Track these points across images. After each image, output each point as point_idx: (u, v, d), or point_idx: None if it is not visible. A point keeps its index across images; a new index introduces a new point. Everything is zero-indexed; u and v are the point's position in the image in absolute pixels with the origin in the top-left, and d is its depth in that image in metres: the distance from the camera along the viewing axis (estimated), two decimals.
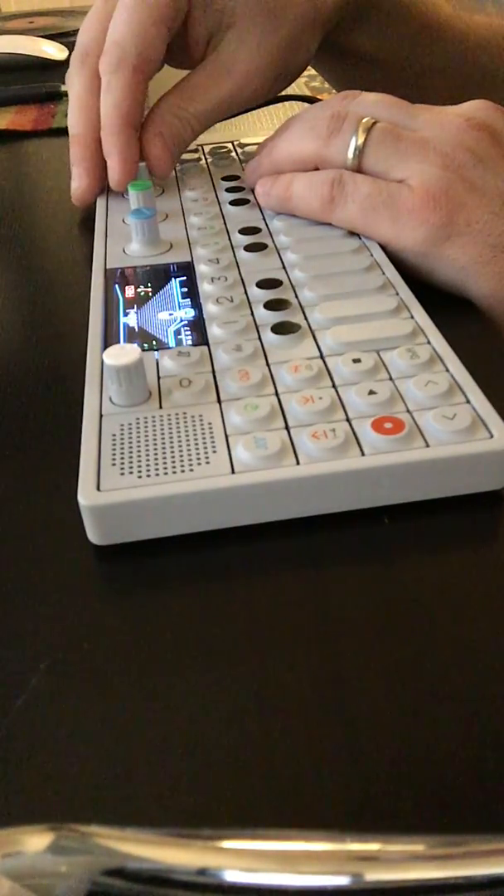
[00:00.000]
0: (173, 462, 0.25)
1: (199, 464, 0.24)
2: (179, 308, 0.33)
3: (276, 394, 0.27)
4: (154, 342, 0.31)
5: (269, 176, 0.40)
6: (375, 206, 0.35)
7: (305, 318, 0.31)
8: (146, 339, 0.31)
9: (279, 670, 0.21)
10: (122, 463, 0.25)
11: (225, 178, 0.45)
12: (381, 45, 0.53)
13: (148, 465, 0.25)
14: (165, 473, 0.24)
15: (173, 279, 0.35)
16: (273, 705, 0.20)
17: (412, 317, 0.31)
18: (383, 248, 0.36)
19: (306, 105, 0.56)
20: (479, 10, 0.58)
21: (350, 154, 0.36)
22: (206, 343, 0.30)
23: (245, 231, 0.38)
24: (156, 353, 0.30)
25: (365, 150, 0.36)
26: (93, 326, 0.32)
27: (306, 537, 0.24)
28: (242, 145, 0.50)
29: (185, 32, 0.43)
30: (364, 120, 0.36)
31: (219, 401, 0.27)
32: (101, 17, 0.42)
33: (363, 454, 0.24)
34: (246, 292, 0.33)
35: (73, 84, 0.44)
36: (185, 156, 0.49)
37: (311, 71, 0.57)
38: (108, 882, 0.15)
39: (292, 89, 0.61)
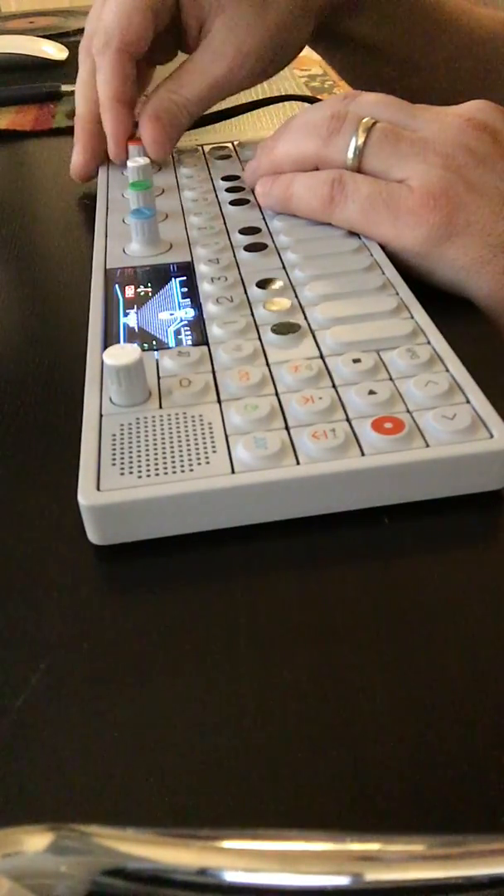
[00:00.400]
0: (173, 462, 0.25)
1: (199, 464, 0.24)
2: (179, 308, 0.33)
3: (276, 394, 0.27)
4: (154, 342, 0.31)
5: (269, 176, 0.40)
6: (376, 206, 0.35)
7: (305, 318, 0.31)
8: (146, 339, 0.31)
9: (279, 670, 0.21)
10: (122, 463, 0.25)
11: (225, 178, 0.45)
12: (384, 36, 0.53)
13: (148, 465, 0.25)
14: (165, 473, 0.24)
15: (173, 279, 0.35)
16: (273, 705, 0.20)
17: (412, 317, 0.31)
18: (383, 248, 0.36)
19: (306, 105, 0.56)
20: (488, 1, 0.58)
21: (350, 154, 0.36)
22: (206, 343, 0.30)
23: (245, 231, 0.38)
24: (156, 353, 0.30)
25: (365, 150, 0.36)
26: (93, 326, 0.32)
27: (306, 537, 0.24)
28: (242, 145, 0.50)
29: (178, 22, 0.45)
30: (364, 120, 0.36)
31: (219, 401, 0.27)
32: (102, 8, 0.45)
33: (363, 454, 0.24)
34: (246, 292, 0.33)
35: (80, 69, 0.47)
36: (185, 156, 0.49)
37: (311, 71, 0.57)
38: (108, 882, 0.15)
39: (292, 89, 0.61)
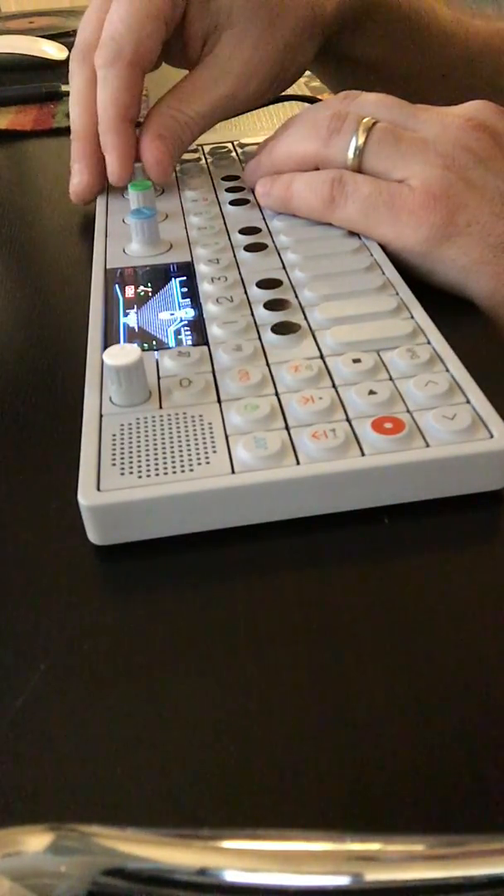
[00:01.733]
0: (173, 462, 0.25)
1: (199, 464, 0.24)
2: (179, 308, 0.33)
3: (276, 394, 0.27)
4: (154, 342, 0.31)
5: (269, 176, 0.40)
6: (376, 206, 0.35)
7: (305, 318, 0.31)
8: (146, 339, 0.31)
9: (279, 670, 0.21)
10: (122, 463, 0.25)
11: (225, 178, 0.45)
12: (381, 53, 0.53)
13: (148, 465, 0.25)
14: (165, 473, 0.24)
15: (173, 279, 0.35)
16: (273, 705, 0.20)
17: (412, 317, 0.31)
18: (383, 248, 0.36)
19: (306, 105, 0.56)
20: (479, 14, 0.58)
21: (350, 154, 0.36)
22: (206, 343, 0.30)
23: (245, 231, 0.38)
24: (156, 353, 0.30)
25: (365, 150, 0.36)
26: (93, 326, 0.32)
27: (306, 537, 0.24)
28: (242, 145, 0.50)
29: (182, 30, 0.43)
30: (364, 120, 0.36)
31: (219, 401, 0.27)
32: (101, 14, 0.42)
33: (363, 454, 0.24)
34: (246, 292, 0.33)
35: (74, 80, 0.44)
36: (186, 156, 0.49)
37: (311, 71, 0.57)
38: (108, 882, 0.15)
39: (292, 89, 0.61)
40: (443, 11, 0.55)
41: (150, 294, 0.34)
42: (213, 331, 0.31)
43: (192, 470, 0.24)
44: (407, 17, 0.53)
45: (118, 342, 0.31)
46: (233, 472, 0.24)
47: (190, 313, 0.32)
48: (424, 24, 0.54)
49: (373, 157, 0.36)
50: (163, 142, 0.42)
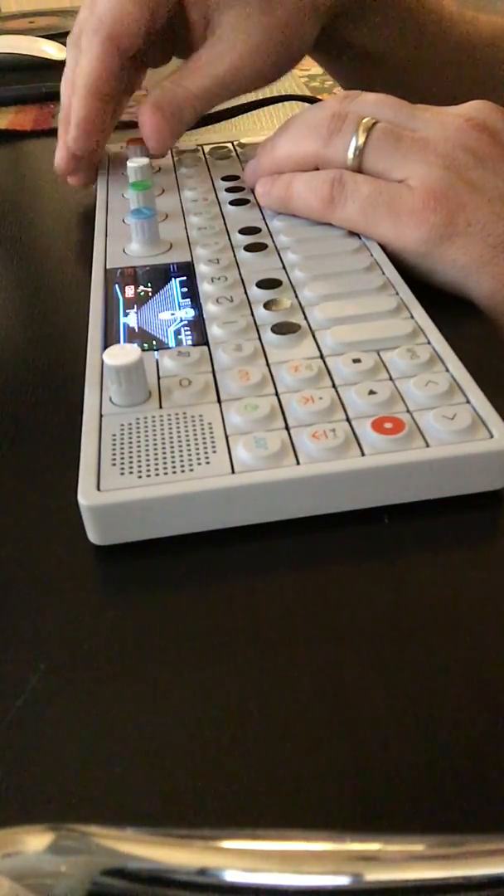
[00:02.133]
0: (173, 462, 0.25)
1: (199, 464, 0.24)
2: (179, 308, 0.33)
3: (276, 394, 0.27)
4: (154, 342, 0.31)
5: (269, 176, 0.40)
6: (376, 207, 0.35)
7: (305, 318, 0.31)
8: (146, 339, 0.31)
9: (279, 670, 0.21)
10: (122, 463, 0.25)
11: (225, 178, 0.45)
12: (382, 41, 0.53)
13: (148, 465, 0.25)
14: (165, 473, 0.24)
15: (173, 279, 0.35)
16: (273, 705, 0.20)
17: (412, 317, 0.31)
18: (383, 248, 0.36)
19: (306, 105, 0.56)
20: (488, 8, 0.58)
21: (350, 154, 0.36)
22: (206, 343, 0.30)
23: (245, 231, 0.38)
24: (156, 353, 0.30)
25: (365, 150, 0.36)
26: (93, 326, 0.32)
27: (306, 537, 0.24)
28: (242, 145, 0.50)
29: (182, 17, 0.44)
30: (364, 120, 0.36)
31: (219, 401, 0.27)
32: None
33: (363, 454, 0.24)
34: (246, 292, 0.33)
35: (66, 61, 0.45)
36: (185, 156, 0.49)
37: (311, 70, 0.57)
38: (108, 882, 0.15)
39: (292, 89, 0.61)
40: (448, 4, 0.55)
41: (150, 294, 0.34)
42: (213, 331, 0.31)
43: (191, 470, 0.24)
44: (410, 7, 0.53)
45: (118, 342, 0.31)
46: (233, 472, 0.24)
47: (190, 313, 0.32)
48: (428, 15, 0.54)
49: (373, 157, 0.36)
50: (160, 112, 0.42)
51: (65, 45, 0.81)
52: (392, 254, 0.35)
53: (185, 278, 0.35)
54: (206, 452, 0.25)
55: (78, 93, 0.42)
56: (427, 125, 0.36)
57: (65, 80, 0.45)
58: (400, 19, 0.53)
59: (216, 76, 0.43)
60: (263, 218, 0.40)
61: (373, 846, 0.15)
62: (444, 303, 0.33)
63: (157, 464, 0.25)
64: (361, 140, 0.36)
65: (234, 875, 0.14)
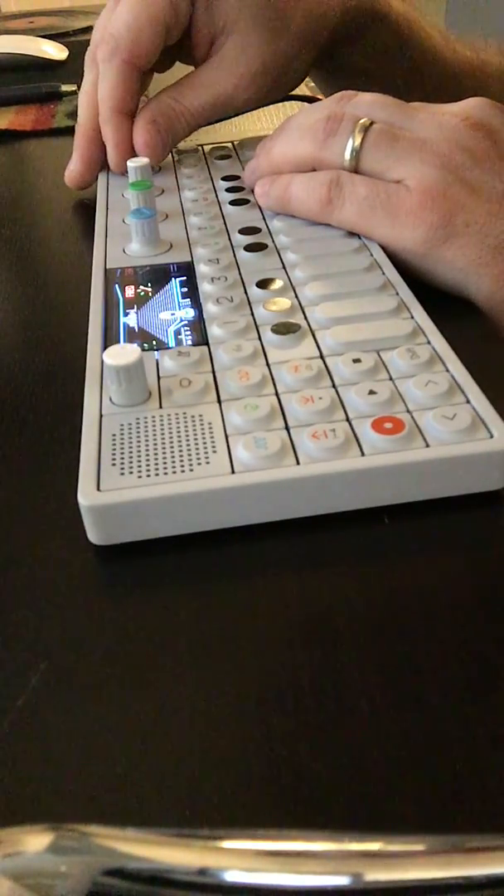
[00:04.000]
0: (173, 462, 0.25)
1: (199, 464, 0.24)
2: (179, 308, 0.33)
3: (276, 394, 0.27)
4: (154, 342, 0.31)
5: (268, 177, 0.40)
6: (373, 208, 0.35)
7: (305, 318, 0.31)
8: (146, 339, 0.31)
9: (279, 670, 0.21)
10: (122, 463, 0.25)
11: (225, 178, 0.45)
12: (375, 66, 0.54)
13: (148, 465, 0.25)
14: (165, 473, 0.24)
15: (173, 279, 0.35)
16: (273, 705, 0.20)
17: (412, 317, 0.31)
18: (383, 248, 0.36)
19: (305, 105, 0.56)
20: (477, 44, 0.59)
21: (347, 155, 0.36)
22: (206, 343, 0.30)
23: (245, 231, 0.38)
24: (156, 353, 0.30)
25: (362, 151, 0.36)
26: (93, 326, 0.32)
27: (306, 537, 0.24)
28: (242, 145, 0.50)
29: (189, 34, 0.45)
30: (361, 121, 0.36)
31: (219, 401, 0.27)
32: (111, 16, 0.45)
33: (363, 454, 0.24)
34: (246, 292, 0.33)
35: (84, 79, 0.47)
36: (185, 156, 0.49)
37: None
38: (108, 882, 0.15)
39: None
40: (433, 30, 0.57)
41: (150, 294, 0.34)
42: (213, 331, 0.31)
43: (191, 470, 0.24)
44: (403, 33, 0.54)
45: (118, 342, 0.31)
46: (233, 472, 0.24)
47: (190, 313, 0.32)
48: (417, 40, 0.55)
49: (370, 158, 0.36)
50: (155, 126, 0.44)
51: (65, 46, 0.81)
52: (392, 254, 0.35)
53: (185, 278, 0.35)
54: (205, 452, 0.25)
55: (106, 116, 0.44)
56: (424, 125, 0.36)
57: (83, 96, 0.46)
58: (393, 46, 0.54)
59: (213, 97, 0.45)
60: (263, 218, 0.40)
61: (373, 846, 0.15)
62: (444, 303, 0.33)
63: (157, 464, 0.25)
64: (358, 141, 0.36)
65: (234, 875, 0.15)
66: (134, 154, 0.45)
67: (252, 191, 0.42)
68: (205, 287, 0.34)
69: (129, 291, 0.34)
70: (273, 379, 0.28)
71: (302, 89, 0.65)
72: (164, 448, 0.25)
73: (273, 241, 0.37)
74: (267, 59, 0.45)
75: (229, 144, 0.51)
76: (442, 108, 0.37)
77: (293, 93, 0.55)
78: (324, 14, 0.47)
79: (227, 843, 0.15)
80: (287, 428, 0.26)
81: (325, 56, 0.50)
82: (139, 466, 0.25)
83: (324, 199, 0.36)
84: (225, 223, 0.40)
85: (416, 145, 0.35)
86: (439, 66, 0.57)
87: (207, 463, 0.25)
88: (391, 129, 0.36)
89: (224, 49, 0.45)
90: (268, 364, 0.29)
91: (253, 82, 0.45)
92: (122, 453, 0.25)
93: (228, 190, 0.43)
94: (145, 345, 0.30)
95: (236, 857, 0.15)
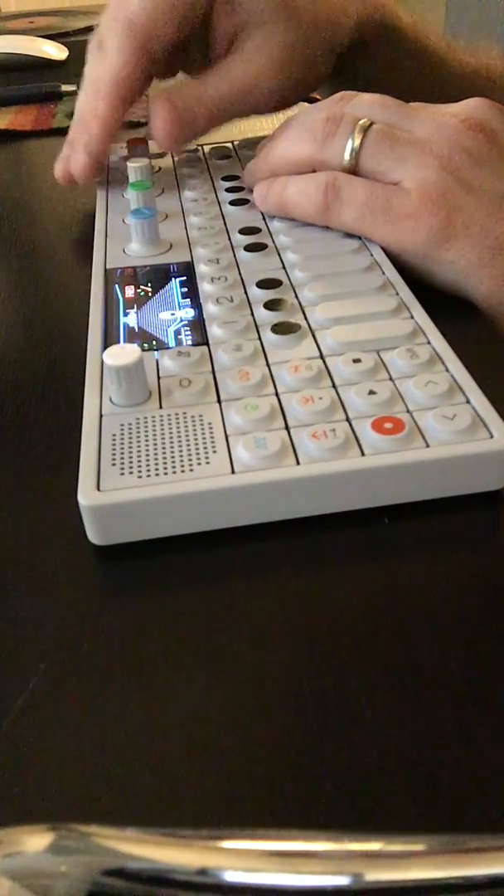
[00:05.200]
0: (173, 462, 0.25)
1: (199, 464, 0.24)
2: (179, 308, 0.33)
3: (276, 394, 0.27)
4: (154, 342, 0.31)
5: (266, 179, 0.40)
6: (372, 210, 0.35)
7: (305, 318, 0.31)
8: (146, 339, 0.31)
9: (279, 670, 0.21)
10: (122, 463, 0.25)
11: (225, 178, 0.45)
12: (381, 71, 0.54)
13: (148, 465, 0.25)
14: (165, 473, 0.24)
15: (173, 279, 0.35)
16: (273, 705, 0.20)
17: (412, 317, 0.31)
18: (383, 248, 0.36)
19: (305, 105, 0.56)
20: (479, 52, 0.59)
21: (346, 156, 0.36)
22: (206, 343, 0.30)
23: (245, 231, 0.38)
24: (156, 353, 0.30)
25: (361, 151, 0.36)
26: (93, 326, 0.32)
27: (306, 537, 0.24)
28: (242, 145, 0.50)
29: (206, 33, 0.44)
30: (360, 121, 0.36)
31: (219, 401, 0.27)
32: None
33: (363, 454, 0.24)
34: (246, 292, 0.33)
35: (88, 68, 0.44)
36: (186, 156, 0.49)
37: None
38: (108, 882, 0.15)
39: None
40: (439, 41, 0.57)
41: (150, 294, 0.34)
42: (213, 331, 0.31)
43: (191, 470, 0.24)
44: (411, 46, 0.54)
45: (118, 342, 0.31)
46: (233, 472, 0.24)
47: (190, 313, 0.32)
48: (423, 52, 0.55)
49: (369, 159, 0.36)
50: (173, 107, 0.42)
51: (65, 46, 0.81)
52: (391, 255, 0.35)
53: (185, 278, 0.35)
54: (206, 452, 0.25)
55: (107, 94, 0.41)
56: (423, 126, 0.36)
57: (86, 84, 0.44)
58: (402, 53, 0.53)
59: (235, 87, 0.43)
60: (263, 218, 0.40)
61: (373, 846, 0.15)
62: (444, 303, 0.33)
63: (157, 464, 0.25)
64: (357, 141, 0.36)
65: (233, 875, 0.15)
66: (133, 142, 0.44)
67: (252, 191, 0.42)
68: (205, 287, 0.34)
69: (129, 291, 0.34)
70: (273, 379, 0.28)
71: None
72: (164, 448, 0.25)
73: (273, 241, 0.37)
74: (289, 53, 0.43)
75: (229, 144, 0.51)
76: (442, 109, 0.37)
77: None
78: (343, 24, 0.47)
79: (227, 843, 0.15)
80: (287, 428, 0.26)
81: (337, 66, 0.50)
82: (139, 466, 0.25)
83: (321, 204, 0.36)
84: (225, 223, 0.40)
85: (416, 147, 0.35)
86: (444, 75, 0.56)
87: (207, 463, 0.25)
88: (391, 129, 0.36)
89: (246, 43, 0.43)
90: (268, 364, 0.29)
91: (276, 74, 0.43)
92: (123, 453, 0.25)
93: (228, 190, 0.43)
94: (145, 345, 0.30)
95: (236, 857, 0.15)
